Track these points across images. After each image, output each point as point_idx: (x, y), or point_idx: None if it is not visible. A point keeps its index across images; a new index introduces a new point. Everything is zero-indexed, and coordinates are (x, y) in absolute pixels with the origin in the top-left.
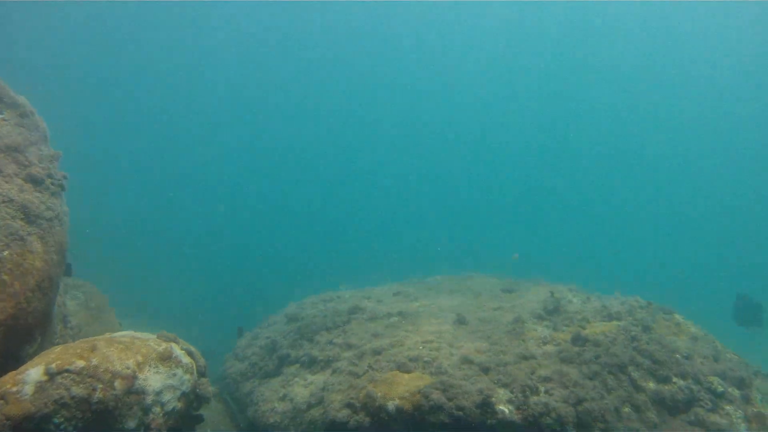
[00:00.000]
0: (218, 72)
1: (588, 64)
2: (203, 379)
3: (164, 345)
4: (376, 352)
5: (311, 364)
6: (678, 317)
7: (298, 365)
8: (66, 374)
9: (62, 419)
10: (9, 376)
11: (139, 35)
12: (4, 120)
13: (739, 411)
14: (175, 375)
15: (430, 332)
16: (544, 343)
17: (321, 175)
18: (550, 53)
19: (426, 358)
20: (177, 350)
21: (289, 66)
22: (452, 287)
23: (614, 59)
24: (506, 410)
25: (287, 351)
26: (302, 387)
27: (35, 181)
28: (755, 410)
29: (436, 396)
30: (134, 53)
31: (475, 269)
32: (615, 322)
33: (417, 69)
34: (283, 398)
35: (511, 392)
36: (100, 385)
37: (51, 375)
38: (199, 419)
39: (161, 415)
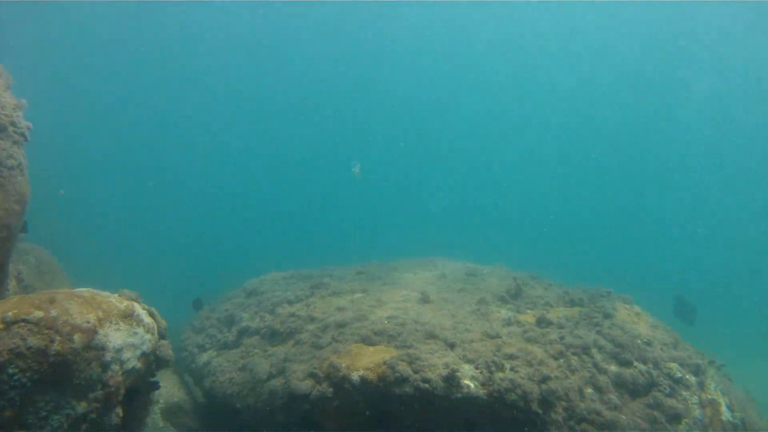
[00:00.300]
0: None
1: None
2: (164, 341)
3: (126, 302)
4: (340, 325)
5: (272, 336)
6: (637, 307)
7: (258, 336)
8: (23, 323)
9: (17, 370)
10: None
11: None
12: None
13: (695, 397)
14: (136, 334)
15: (394, 308)
16: (508, 324)
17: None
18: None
19: (391, 332)
20: (138, 309)
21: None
22: (416, 268)
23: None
24: (472, 385)
25: (247, 323)
26: (262, 358)
27: None
28: (709, 397)
29: (402, 368)
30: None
31: (437, 253)
32: (577, 308)
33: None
34: (242, 369)
35: (477, 368)
36: (59, 338)
37: (6, 324)
38: (155, 386)
39: (120, 373)
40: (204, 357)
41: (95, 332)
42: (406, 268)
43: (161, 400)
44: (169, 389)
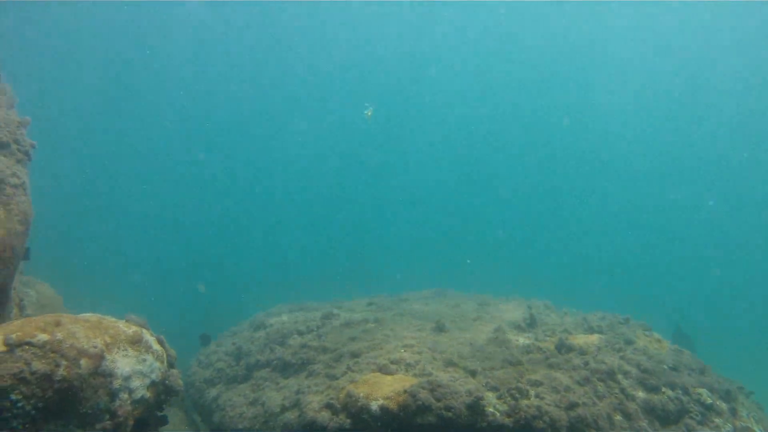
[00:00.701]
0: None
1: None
2: (173, 370)
3: (134, 328)
4: (355, 355)
5: (284, 368)
6: (656, 334)
7: (268, 369)
8: (27, 347)
9: (20, 396)
10: None
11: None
12: None
13: (728, 424)
14: (145, 361)
15: (409, 337)
16: (528, 352)
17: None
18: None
19: (408, 361)
20: (147, 335)
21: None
22: (427, 300)
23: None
24: (497, 413)
25: (256, 357)
26: (274, 391)
27: (0, 145)
28: (743, 424)
29: (424, 395)
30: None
31: (445, 286)
32: (596, 335)
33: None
34: (253, 403)
35: (501, 395)
36: (65, 362)
37: (10, 346)
38: (163, 420)
39: (129, 402)
40: (212, 392)
41: (103, 358)
42: (416, 299)
43: None
44: (175, 425)
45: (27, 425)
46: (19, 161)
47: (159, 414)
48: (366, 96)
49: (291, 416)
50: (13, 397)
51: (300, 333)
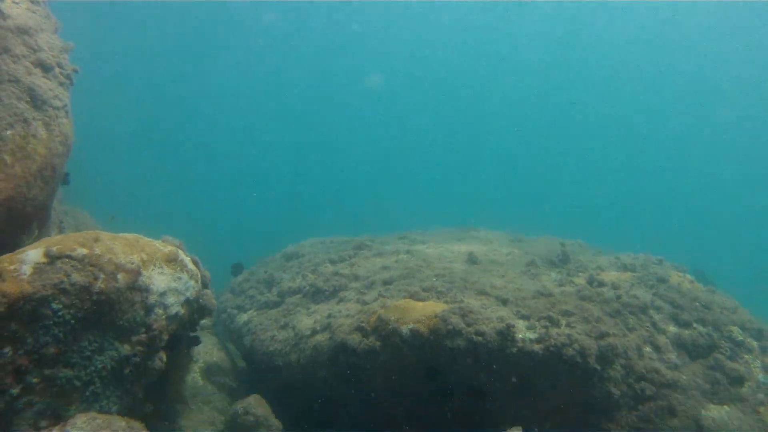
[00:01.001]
0: None
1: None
2: (207, 290)
3: (170, 247)
4: (387, 283)
5: (315, 294)
6: (690, 276)
7: (300, 295)
8: (67, 259)
9: (60, 305)
10: (6, 256)
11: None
12: (14, 3)
13: (758, 361)
14: (180, 279)
15: (441, 268)
16: (560, 285)
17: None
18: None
19: (440, 289)
20: (182, 255)
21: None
22: (459, 236)
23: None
24: (527, 339)
25: (288, 284)
26: (305, 316)
27: (44, 67)
28: None
29: (455, 320)
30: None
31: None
32: (629, 273)
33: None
34: (284, 326)
35: (531, 323)
36: (102, 275)
37: (51, 258)
38: (196, 341)
39: (163, 317)
40: (244, 317)
41: (139, 273)
42: (448, 234)
43: (200, 360)
44: (208, 349)
45: (67, 334)
46: (61, 84)
47: (192, 335)
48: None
49: (321, 339)
50: (54, 305)
51: (332, 262)
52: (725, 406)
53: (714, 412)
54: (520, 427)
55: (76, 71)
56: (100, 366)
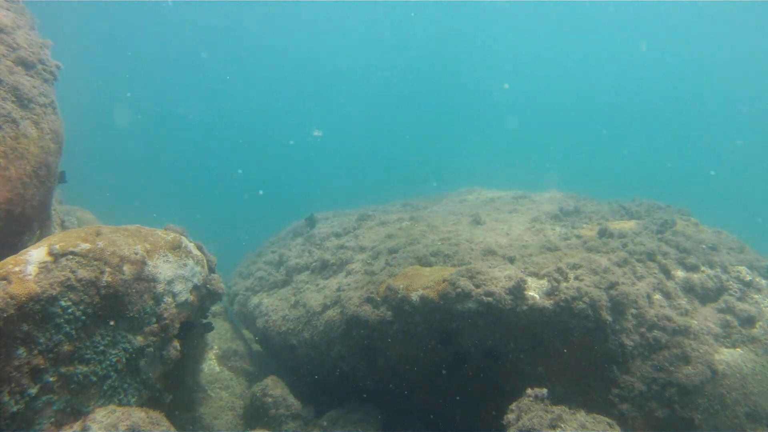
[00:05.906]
0: None
1: None
2: (214, 275)
3: (173, 234)
4: (392, 251)
5: (322, 269)
6: (694, 219)
7: (308, 272)
8: (71, 256)
9: (69, 302)
10: (11, 258)
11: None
12: None
13: None
14: (186, 265)
15: (446, 231)
16: (566, 238)
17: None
18: None
19: (446, 252)
20: (186, 241)
21: None
22: (461, 196)
23: None
24: (537, 296)
25: (295, 261)
26: (315, 292)
27: (26, 65)
28: None
29: (464, 283)
30: None
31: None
32: (634, 221)
33: None
34: (294, 305)
35: (540, 279)
36: (108, 269)
37: (55, 256)
38: (209, 327)
39: (173, 305)
40: (254, 299)
41: (144, 263)
42: (451, 197)
43: (215, 346)
44: (222, 335)
45: (79, 330)
46: (45, 81)
47: (204, 321)
48: None
49: (333, 314)
50: (63, 303)
51: (337, 235)
52: (738, 349)
53: (727, 355)
54: (545, 389)
55: (59, 67)
56: (114, 360)
